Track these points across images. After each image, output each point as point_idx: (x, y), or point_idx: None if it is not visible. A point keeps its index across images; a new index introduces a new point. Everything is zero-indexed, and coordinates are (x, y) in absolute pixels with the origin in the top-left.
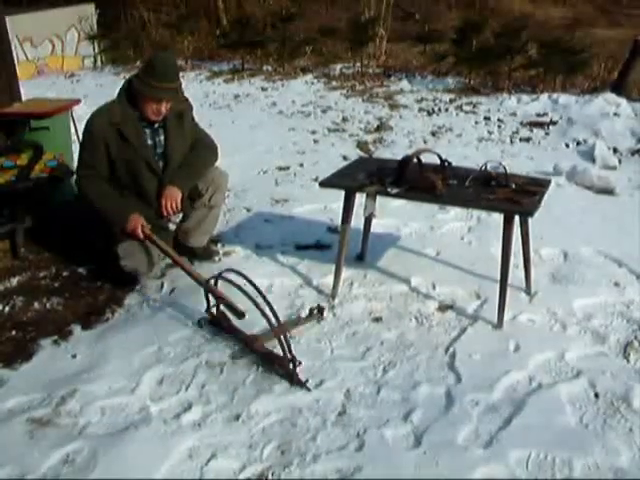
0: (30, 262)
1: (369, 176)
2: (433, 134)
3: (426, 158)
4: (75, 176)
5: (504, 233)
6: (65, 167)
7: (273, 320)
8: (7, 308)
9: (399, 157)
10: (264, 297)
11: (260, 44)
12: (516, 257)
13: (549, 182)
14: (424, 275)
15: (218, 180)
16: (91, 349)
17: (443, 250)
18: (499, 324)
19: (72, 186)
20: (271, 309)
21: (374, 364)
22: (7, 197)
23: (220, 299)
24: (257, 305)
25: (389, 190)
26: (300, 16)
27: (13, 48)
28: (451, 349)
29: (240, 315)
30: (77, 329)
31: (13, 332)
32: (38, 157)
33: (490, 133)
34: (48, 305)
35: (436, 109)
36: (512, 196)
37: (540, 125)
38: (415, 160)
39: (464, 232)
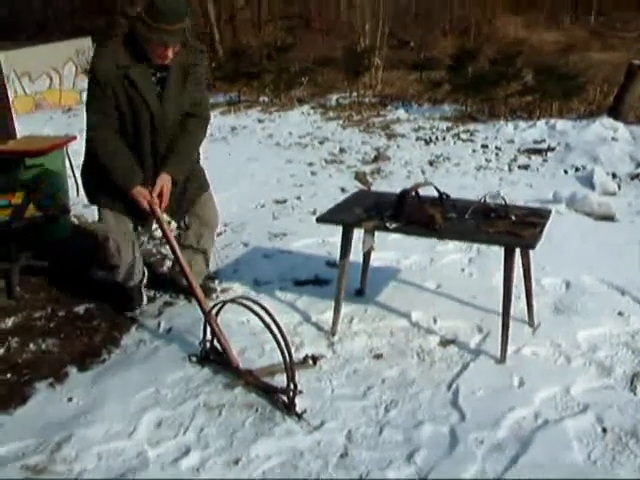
0: (26, 302)
1: (367, 210)
2: (431, 163)
3: (425, 191)
4: (85, 133)
5: (505, 267)
6: (60, 205)
7: (285, 349)
8: (2, 350)
9: (397, 189)
10: (277, 325)
11: (256, 75)
12: (517, 288)
13: (549, 212)
14: (425, 309)
15: (208, 220)
16: (87, 392)
17: (444, 283)
18: (502, 358)
19: (68, 223)
20: (282, 336)
21: (376, 403)
22: (1, 236)
23: (217, 337)
24: (271, 331)
25: (387, 225)
26: (295, 46)
27: (11, 83)
28: (454, 385)
29: (229, 362)
30: (73, 371)
31: (8, 375)
32: (32, 196)
33: (488, 161)
34: (44, 346)
35: (433, 138)
36: (512, 228)
37: (538, 152)
38: (413, 194)
39: (464, 264)
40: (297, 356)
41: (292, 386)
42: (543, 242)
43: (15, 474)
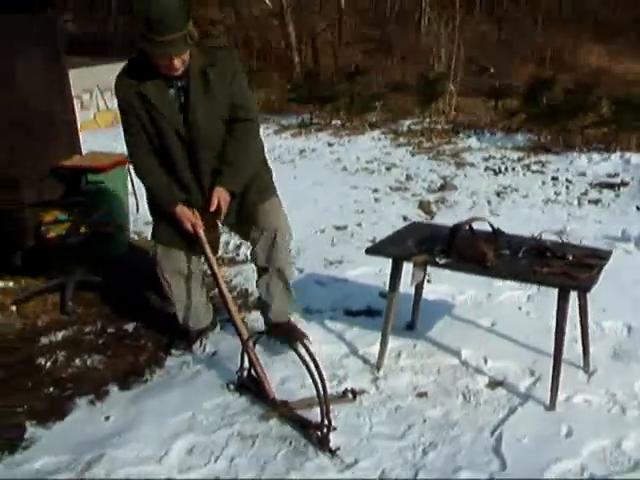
0: (78, 316)
1: (419, 244)
2: (498, 194)
3: (480, 225)
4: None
5: (558, 310)
6: (115, 223)
7: (320, 384)
8: (49, 363)
9: (461, 218)
10: (313, 358)
11: (329, 98)
12: (575, 329)
13: (609, 254)
14: (476, 347)
15: (273, 230)
16: (125, 412)
17: (499, 320)
18: (552, 405)
19: (125, 240)
20: (318, 371)
21: (414, 444)
22: (58, 251)
23: (254, 367)
24: (306, 365)
25: (437, 260)
26: (371, 70)
27: (94, 97)
28: (498, 431)
29: (264, 394)
30: (114, 389)
31: (51, 389)
32: (87, 213)
33: (557, 194)
34: (89, 362)
35: (502, 168)
36: (568, 269)
37: (610, 186)
38: (466, 228)
39: (522, 301)
40: (338, 389)
41: (326, 422)
42: (607, 282)
43: None
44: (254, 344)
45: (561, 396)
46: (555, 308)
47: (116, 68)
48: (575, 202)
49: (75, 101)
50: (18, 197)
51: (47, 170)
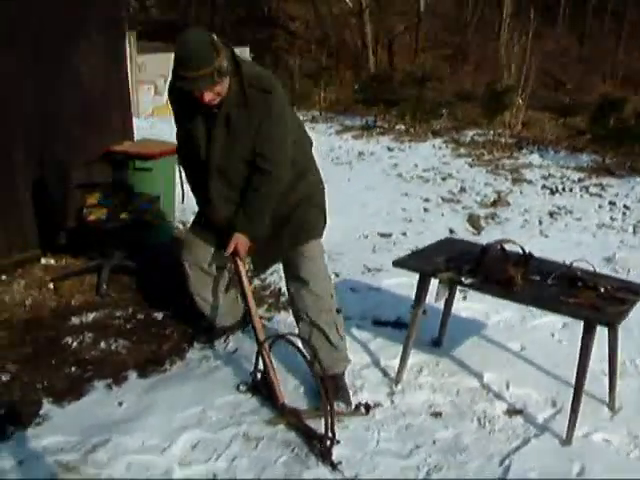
0: (111, 299)
1: (448, 260)
2: (551, 215)
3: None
4: None
5: (582, 342)
6: (155, 211)
7: (325, 397)
8: (75, 343)
9: (509, 237)
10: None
11: (395, 102)
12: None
13: None
14: (501, 371)
15: (306, 283)
16: (139, 399)
17: (529, 345)
18: (568, 440)
19: (169, 229)
20: (328, 391)
21: (419, 465)
22: (97, 234)
23: (267, 370)
24: (314, 375)
25: (463, 279)
26: (441, 77)
27: (167, 84)
28: (507, 461)
29: (280, 398)
30: (133, 376)
31: (73, 369)
32: (129, 199)
33: (613, 220)
34: (113, 346)
35: (560, 188)
36: (597, 302)
37: None
38: (498, 248)
39: (557, 328)
40: (355, 399)
41: (330, 435)
42: None
43: (47, 467)
44: (270, 347)
45: (580, 431)
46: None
47: None
48: (630, 229)
49: (150, 86)
50: (67, 178)
51: (98, 154)
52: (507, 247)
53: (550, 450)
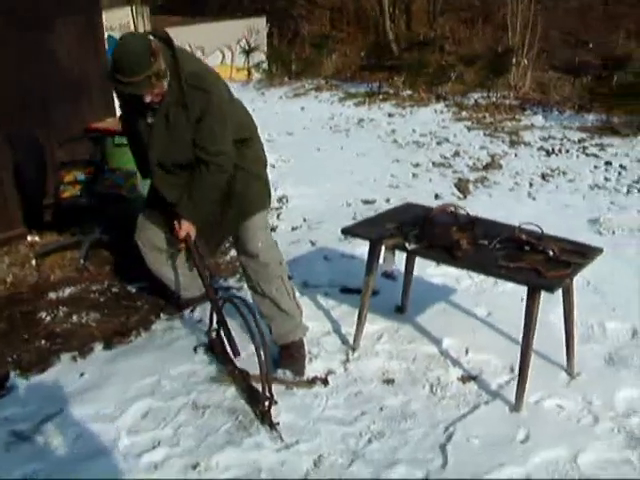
0: (89, 274)
1: (399, 226)
2: (543, 177)
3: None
4: None
5: (527, 307)
6: (129, 185)
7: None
8: (48, 318)
9: (496, 201)
10: (262, 336)
11: (399, 68)
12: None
13: (598, 251)
14: (462, 337)
15: (253, 255)
16: (100, 370)
17: (495, 311)
18: (517, 407)
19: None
20: (265, 352)
21: (361, 432)
22: (74, 210)
23: (224, 325)
24: (254, 342)
25: (406, 245)
26: (450, 41)
27: None
28: (451, 428)
29: (235, 352)
30: (98, 348)
31: (43, 342)
32: (104, 175)
33: (607, 180)
34: (84, 319)
35: (557, 149)
36: (540, 265)
37: None
38: (451, 213)
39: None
40: (310, 367)
41: (267, 394)
42: (626, 280)
43: (3, 437)
44: (222, 307)
45: (532, 397)
46: (560, 303)
47: (207, 28)
48: (623, 189)
49: None
50: (49, 156)
51: (80, 131)
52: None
53: (498, 417)
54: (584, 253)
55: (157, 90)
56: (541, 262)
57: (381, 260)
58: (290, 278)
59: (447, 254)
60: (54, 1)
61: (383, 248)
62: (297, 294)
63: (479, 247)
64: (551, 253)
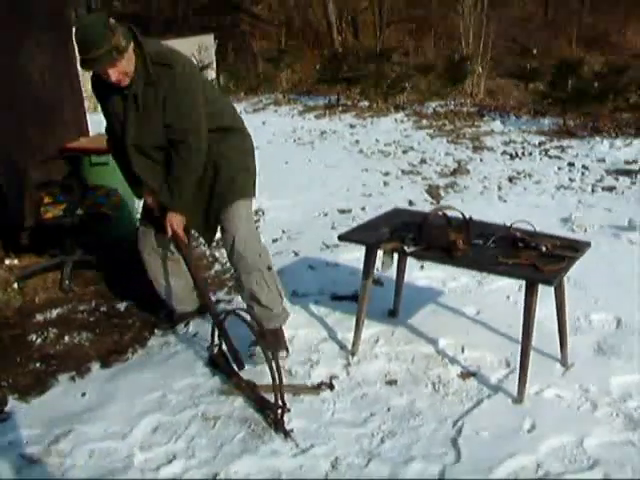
0: (74, 295)
1: (393, 231)
2: (510, 180)
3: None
4: None
5: (525, 302)
6: (112, 204)
7: (276, 374)
8: (39, 340)
9: (468, 204)
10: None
11: (356, 80)
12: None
13: (587, 245)
14: (456, 336)
15: (234, 241)
16: (101, 389)
17: (484, 309)
18: (519, 398)
19: (130, 222)
20: (276, 363)
21: (373, 432)
22: (56, 231)
23: (226, 339)
24: (265, 353)
25: (405, 248)
26: (401, 51)
27: None
28: (460, 422)
29: (239, 365)
30: (96, 367)
31: (37, 364)
32: (85, 195)
33: (571, 180)
34: (77, 340)
35: (520, 153)
36: (536, 261)
37: (627, 173)
38: (440, 215)
39: (513, 291)
40: (312, 372)
41: (280, 403)
42: (603, 273)
43: (13, 461)
44: (224, 320)
45: (532, 389)
46: (546, 299)
47: None
48: (589, 189)
49: None
50: (25, 178)
51: (54, 152)
52: (450, 214)
53: (502, 409)
54: (575, 248)
55: (122, 67)
56: (536, 258)
57: (378, 264)
58: (269, 269)
59: (445, 255)
60: (23, 21)
61: (380, 252)
62: (288, 303)
63: (475, 246)
64: (544, 249)
